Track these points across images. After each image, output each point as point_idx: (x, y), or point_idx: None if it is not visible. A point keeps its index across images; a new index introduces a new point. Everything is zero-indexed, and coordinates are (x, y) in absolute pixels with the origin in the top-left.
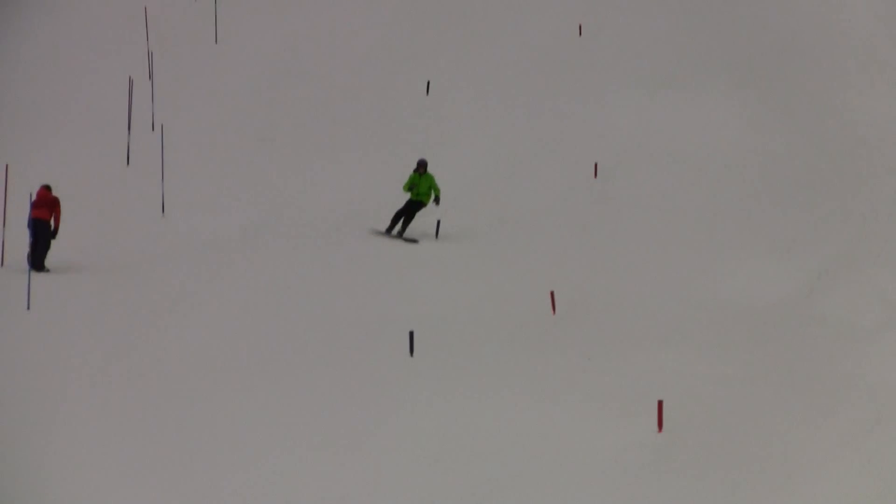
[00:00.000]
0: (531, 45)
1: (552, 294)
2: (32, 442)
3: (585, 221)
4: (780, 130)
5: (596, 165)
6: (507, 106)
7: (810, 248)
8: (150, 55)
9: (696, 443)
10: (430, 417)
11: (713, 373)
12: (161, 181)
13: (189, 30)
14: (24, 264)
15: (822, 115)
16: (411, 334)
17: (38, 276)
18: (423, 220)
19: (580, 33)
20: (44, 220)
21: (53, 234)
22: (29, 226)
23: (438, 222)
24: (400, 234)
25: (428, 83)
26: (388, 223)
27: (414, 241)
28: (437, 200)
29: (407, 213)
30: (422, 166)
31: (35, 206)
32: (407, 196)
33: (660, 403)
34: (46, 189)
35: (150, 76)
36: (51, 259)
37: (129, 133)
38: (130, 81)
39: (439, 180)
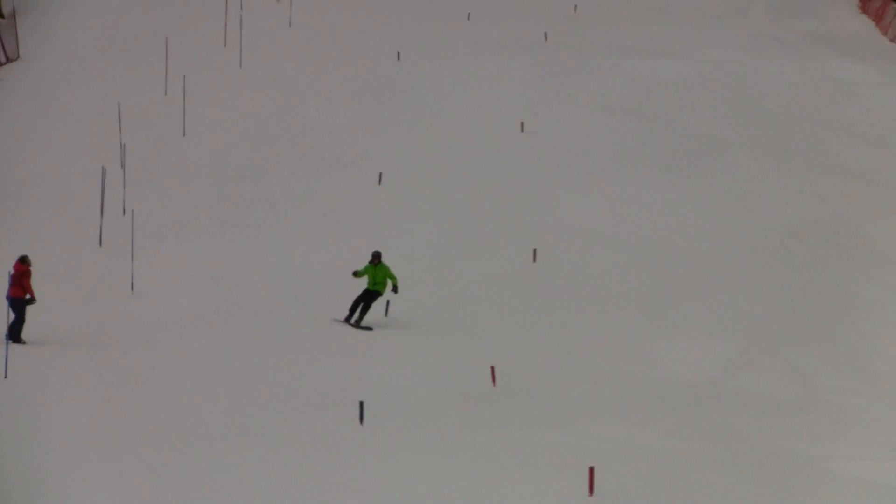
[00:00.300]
0: (476, 140)
1: (492, 368)
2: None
3: (525, 303)
4: (703, 219)
5: (535, 251)
6: (453, 196)
7: (730, 328)
8: (122, 146)
9: None
10: (378, 481)
11: (643, 443)
12: (131, 262)
13: (159, 123)
14: (3, 337)
15: (738, 205)
16: (361, 404)
17: (15, 348)
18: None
19: (522, 129)
20: (18, 297)
21: (31, 300)
22: (8, 303)
23: (388, 302)
24: (357, 323)
25: (380, 174)
26: (343, 309)
27: (369, 328)
28: (395, 289)
29: (364, 302)
30: (376, 257)
31: (11, 284)
32: (359, 282)
33: (591, 469)
34: (21, 262)
35: (123, 165)
36: (27, 332)
37: (101, 217)
38: (103, 170)
39: (390, 264)
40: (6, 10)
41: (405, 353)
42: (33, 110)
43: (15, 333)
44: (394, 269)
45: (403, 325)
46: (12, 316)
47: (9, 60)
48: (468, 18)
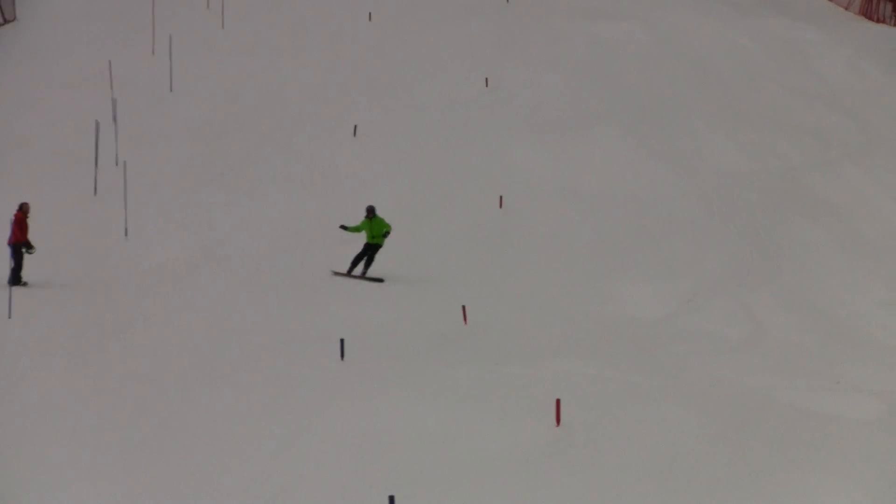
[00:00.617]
0: (445, 95)
1: (464, 308)
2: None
3: (492, 247)
4: (659, 171)
5: (501, 198)
6: (424, 148)
7: (685, 271)
8: (114, 101)
9: (588, 434)
10: (358, 412)
11: (602, 376)
12: (124, 209)
13: (148, 80)
14: (5, 279)
15: (693, 159)
16: (342, 341)
17: (17, 289)
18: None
19: (487, 85)
20: (17, 243)
21: (28, 246)
22: (10, 249)
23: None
24: (363, 275)
25: (355, 127)
26: (325, 253)
27: (380, 279)
28: (386, 234)
29: (368, 256)
30: (370, 212)
31: (12, 230)
32: (356, 237)
33: (557, 402)
34: (19, 209)
35: (114, 120)
36: (29, 275)
37: (95, 168)
38: (97, 124)
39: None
40: None
41: (382, 294)
42: (30, 68)
43: (16, 277)
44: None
45: (379, 268)
46: (13, 262)
47: (6, 21)
48: None
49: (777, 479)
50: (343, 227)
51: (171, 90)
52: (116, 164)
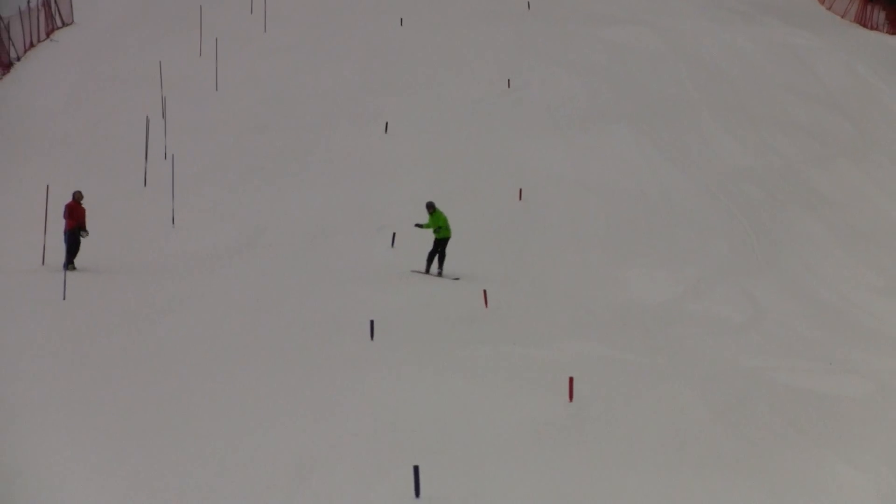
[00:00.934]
0: (469, 94)
1: (485, 293)
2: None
3: (512, 236)
4: (668, 166)
5: (520, 191)
6: (450, 143)
7: (692, 259)
8: (163, 99)
9: (599, 410)
10: (386, 388)
11: (613, 356)
12: (171, 200)
13: (195, 79)
14: (60, 264)
15: (700, 155)
16: (371, 322)
17: (71, 273)
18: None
19: (508, 86)
20: (70, 228)
21: (80, 228)
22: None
23: (394, 235)
24: (439, 273)
25: (386, 124)
26: (358, 240)
27: (456, 278)
28: (420, 225)
29: (440, 252)
30: (429, 207)
31: (67, 217)
32: (424, 233)
33: (570, 379)
34: (73, 197)
35: (164, 116)
36: (81, 261)
37: (146, 161)
38: (147, 120)
39: (396, 201)
40: None
41: (409, 279)
42: (85, 68)
43: (69, 261)
44: (398, 210)
45: (407, 254)
46: (66, 247)
47: (64, 24)
48: None
49: (774, 452)
50: (417, 225)
51: (216, 89)
52: (165, 158)
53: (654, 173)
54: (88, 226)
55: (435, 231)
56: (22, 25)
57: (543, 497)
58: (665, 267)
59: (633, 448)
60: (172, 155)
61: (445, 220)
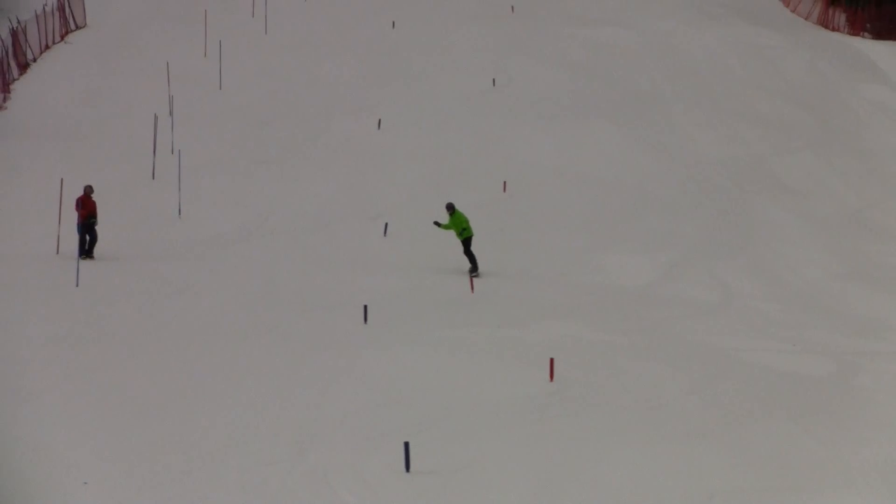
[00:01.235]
0: (457, 91)
1: (471, 278)
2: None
3: (497, 225)
4: (644, 157)
5: (505, 183)
6: (439, 137)
7: (666, 245)
8: (170, 97)
9: (578, 389)
10: (379, 368)
11: (592, 337)
12: (178, 192)
13: (200, 78)
14: (75, 253)
15: (673, 147)
16: (365, 307)
17: (84, 262)
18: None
19: (493, 84)
20: (81, 220)
21: (90, 216)
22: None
23: (386, 224)
24: (475, 273)
25: (379, 121)
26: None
27: (476, 276)
28: (437, 223)
29: (468, 253)
30: (449, 208)
31: (80, 209)
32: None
33: (551, 360)
34: (84, 192)
35: (171, 113)
36: (94, 249)
37: (154, 155)
38: (155, 117)
39: (389, 194)
40: None
41: (401, 265)
42: (98, 68)
43: (82, 250)
44: (391, 200)
45: (398, 242)
46: (79, 237)
47: (78, 27)
48: None
49: (742, 425)
50: (436, 224)
51: (220, 87)
52: (172, 153)
53: (631, 164)
54: (100, 215)
55: (459, 233)
56: (38, 28)
57: (528, 469)
58: (641, 252)
59: (611, 422)
60: (179, 149)
61: (467, 221)
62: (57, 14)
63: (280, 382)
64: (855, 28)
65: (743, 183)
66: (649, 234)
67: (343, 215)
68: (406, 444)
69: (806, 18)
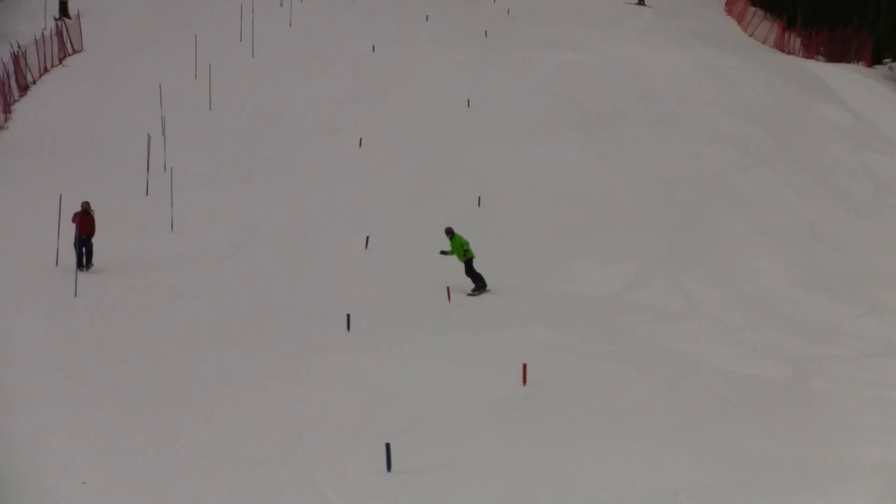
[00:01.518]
0: (433, 112)
1: (448, 289)
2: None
3: (472, 237)
4: (610, 172)
5: (479, 198)
6: (416, 155)
7: (631, 256)
8: (162, 118)
9: (549, 393)
10: (361, 373)
11: (562, 343)
12: (171, 207)
13: (191, 100)
14: (73, 264)
15: (637, 162)
16: (348, 315)
17: (81, 273)
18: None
19: (468, 105)
20: (80, 235)
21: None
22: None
23: (368, 237)
24: (477, 290)
25: (360, 140)
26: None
27: (475, 294)
28: (444, 252)
29: (472, 273)
30: (449, 233)
31: (77, 224)
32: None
33: (524, 365)
34: (84, 211)
35: (163, 132)
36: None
37: (147, 172)
38: (149, 136)
39: (370, 208)
40: (72, 13)
41: (381, 275)
42: (94, 90)
43: (80, 263)
44: (372, 213)
45: (378, 254)
46: (76, 251)
47: (74, 52)
48: (426, 19)
49: (704, 426)
50: (443, 252)
51: (210, 108)
52: (165, 170)
53: (598, 179)
54: (96, 230)
55: (462, 255)
56: (37, 52)
57: (502, 468)
58: (608, 263)
59: (581, 423)
60: (171, 167)
61: (467, 243)
62: (55, 39)
63: (268, 386)
64: (809, 51)
65: (704, 197)
66: (615, 246)
67: (327, 228)
68: (387, 445)
69: (763, 42)
